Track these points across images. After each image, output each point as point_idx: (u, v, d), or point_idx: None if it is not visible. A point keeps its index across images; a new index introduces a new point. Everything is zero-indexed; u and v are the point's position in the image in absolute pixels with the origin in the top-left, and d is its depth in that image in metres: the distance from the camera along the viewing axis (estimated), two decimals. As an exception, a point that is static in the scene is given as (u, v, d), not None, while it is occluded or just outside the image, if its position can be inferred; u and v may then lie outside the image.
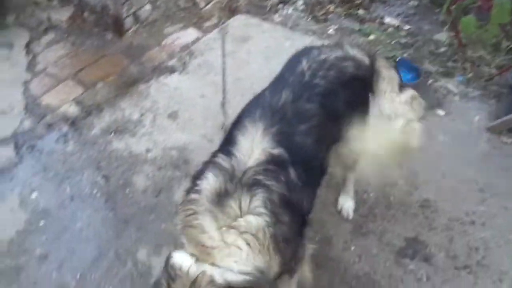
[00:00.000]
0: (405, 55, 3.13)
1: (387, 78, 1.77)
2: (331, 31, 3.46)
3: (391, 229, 2.06)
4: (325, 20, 3.55)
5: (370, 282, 1.91)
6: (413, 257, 1.97)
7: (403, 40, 3.31)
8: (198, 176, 1.39)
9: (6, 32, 3.02)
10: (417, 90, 1.99)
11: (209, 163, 1.40)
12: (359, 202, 2.17)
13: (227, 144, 1.43)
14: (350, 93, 1.59)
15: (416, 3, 3.80)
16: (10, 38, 2.99)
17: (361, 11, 3.69)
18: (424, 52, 3.17)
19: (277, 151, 1.35)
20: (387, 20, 3.56)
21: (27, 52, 2.93)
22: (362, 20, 3.59)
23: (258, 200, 1.27)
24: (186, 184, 2.30)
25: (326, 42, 3.29)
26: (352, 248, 1.99)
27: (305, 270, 1.60)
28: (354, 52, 1.69)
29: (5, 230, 2.09)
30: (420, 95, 1.94)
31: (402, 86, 1.86)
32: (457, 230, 2.07)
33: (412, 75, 2.84)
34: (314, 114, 1.48)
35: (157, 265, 1.92)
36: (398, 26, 3.48)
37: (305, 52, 1.67)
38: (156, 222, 2.16)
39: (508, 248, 2.00)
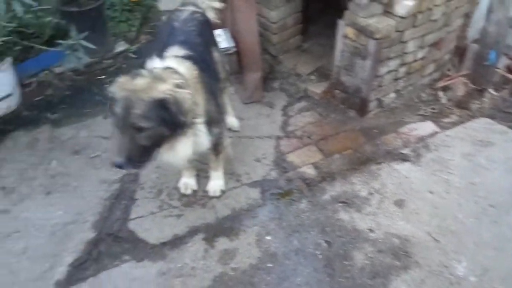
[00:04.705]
0: None
1: None
2: None
3: None
4: None
5: None
6: None
7: None
8: None
9: (272, 94, 3.68)
10: None
11: None
12: None
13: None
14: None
15: None
16: (273, 99, 3.63)
17: None
18: None
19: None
20: None
21: (283, 114, 3.50)
22: None
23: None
24: (404, 277, 2.34)
25: None
26: None
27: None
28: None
29: (242, 260, 2.49)
30: None
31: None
32: None
33: None
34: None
35: None
36: None
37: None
38: (368, 304, 2.24)
39: None
